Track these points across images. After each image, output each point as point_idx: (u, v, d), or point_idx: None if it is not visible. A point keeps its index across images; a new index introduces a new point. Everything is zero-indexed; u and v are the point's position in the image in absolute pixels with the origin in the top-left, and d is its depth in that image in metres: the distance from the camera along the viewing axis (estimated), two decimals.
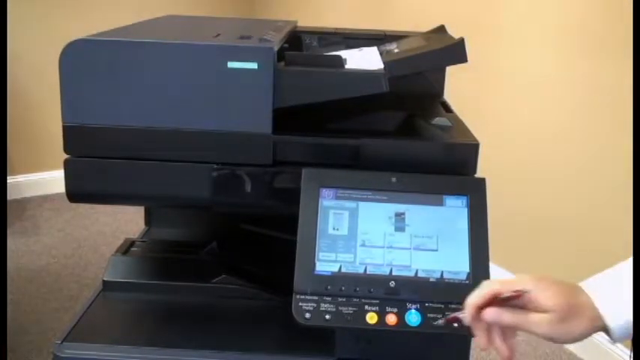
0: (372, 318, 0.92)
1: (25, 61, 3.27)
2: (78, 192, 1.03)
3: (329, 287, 0.93)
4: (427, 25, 1.31)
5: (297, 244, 0.95)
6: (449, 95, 1.36)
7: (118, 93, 0.98)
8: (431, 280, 0.94)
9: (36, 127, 3.41)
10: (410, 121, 1.11)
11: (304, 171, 0.98)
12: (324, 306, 0.92)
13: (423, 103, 1.23)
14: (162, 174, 1.01)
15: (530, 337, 2.34)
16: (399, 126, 1.11)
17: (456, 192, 0.98)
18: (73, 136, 1.00)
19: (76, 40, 0.97)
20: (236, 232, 1.29)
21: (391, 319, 0.92)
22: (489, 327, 0.78)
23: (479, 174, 1.01)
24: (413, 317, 0.92)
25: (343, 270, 0.94)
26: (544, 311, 0.75)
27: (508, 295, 0.76)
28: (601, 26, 2.10)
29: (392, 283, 0.93)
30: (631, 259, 0.79)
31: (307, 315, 0.92)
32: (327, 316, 0.92)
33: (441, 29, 1.25)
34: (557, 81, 2.28)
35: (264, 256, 1.23)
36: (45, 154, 3.39)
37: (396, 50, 1.19)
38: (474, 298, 0.77)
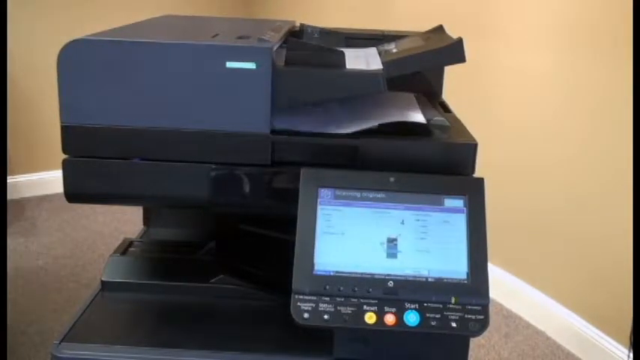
0: (370, 318, 0.92)
1: (24, 61, 3.27)
2: (76, 192, 1.03)
3: (327, 287, 0.93)
4: (426, 25, 1.31)
5: (296, 244, 0.95)
6: (447, 95, 1.36)
7: (116, 93, 0.98)
8: (429, 280, 0.94)
9: (34, 127, 3.40)
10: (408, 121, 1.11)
11: (303, 171, 0.98)
12: (322, 306, 0.92)
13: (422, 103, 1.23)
14: (161, 174, 1.01)
15: (530, 336, 2.36)
16: (397, 126, 1.10)
17: (454, 192, 0.98)
18: (72, 137, 1.00)
19: (74, 40, 0.97)
20: (234, 232, 1.29)
21: (390, 319, 0.92)
22: None
23: (477, 174, 1.01)
24: (411, 317, 0.92)
25: (342, 270, 0.94)
26: None
27: None
28: (599, 26, 2.10)
29: (390, 283, 0.93)
30: None
31: (306, 315, 0.92)
32: (326, 316, 0.92)
33: (439, 29, 1.25)
34: (557, 80, 2.28)
35: (263, 256, 1.23)
36: (43, 155, 3.39)
37: (394, 50, 1.19)
38: None
